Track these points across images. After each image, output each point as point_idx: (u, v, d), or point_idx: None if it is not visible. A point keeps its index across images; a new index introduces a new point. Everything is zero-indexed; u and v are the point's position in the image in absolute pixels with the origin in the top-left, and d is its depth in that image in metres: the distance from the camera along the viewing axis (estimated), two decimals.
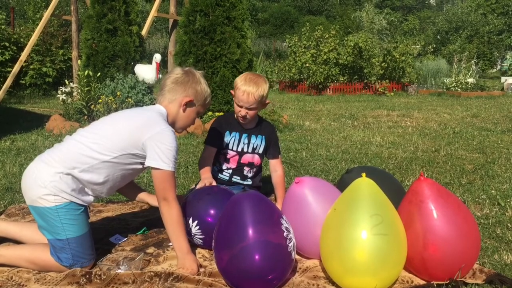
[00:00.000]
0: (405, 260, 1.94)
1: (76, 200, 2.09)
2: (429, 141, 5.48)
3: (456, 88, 13.00)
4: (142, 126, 2.11)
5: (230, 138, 2.74)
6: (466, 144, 5.29)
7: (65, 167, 2.05)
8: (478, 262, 2.17)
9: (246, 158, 2.75)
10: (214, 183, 2.60)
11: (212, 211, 2.28)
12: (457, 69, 13.99)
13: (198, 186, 2.57)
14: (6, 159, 4.27)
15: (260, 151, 2.76)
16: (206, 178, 2.61)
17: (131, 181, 2.51)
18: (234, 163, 2.76)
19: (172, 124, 2.26)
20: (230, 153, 2.75)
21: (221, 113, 5.67)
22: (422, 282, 2.00)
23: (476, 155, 4.69)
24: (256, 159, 2.77)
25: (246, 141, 2.74)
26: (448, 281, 1.92)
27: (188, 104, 2.26)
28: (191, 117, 2.32)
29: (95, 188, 2.14)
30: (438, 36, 29.36)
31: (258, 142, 2.75)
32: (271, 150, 2.80)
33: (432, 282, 1.96)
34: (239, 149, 2.74)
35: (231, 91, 2.71)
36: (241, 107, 2.62)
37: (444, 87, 13.43)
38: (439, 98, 11.78)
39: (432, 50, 19.79)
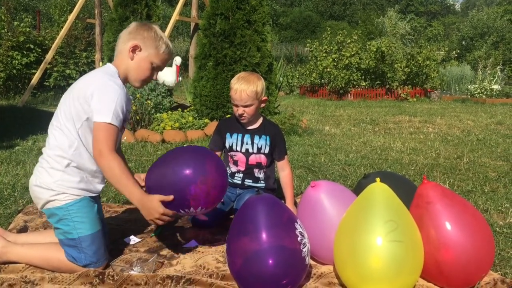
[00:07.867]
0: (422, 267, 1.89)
1: (86, 193, 2.08)
2: (451, 148, 5.37)
3: (481, 94, 12.78)
4: (87, 86, 2.04)
5: (232, 140, 2.73)
6: (490, 151, 5.17)
7: (59, 162, 2.04)
8: (500, 272, 2.11)
9: (253, 158, 2.72)
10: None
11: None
12: (482, 75, 13.75)
13: None
14: (27, 158, 4.32)
15: (266, 151, 2.72)
16: None
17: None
18: (243, 165, 2.73)
19: (126, 78, 2.17)
20: (237, 155, 2.73)
21: None
22: None
23: (500, 162, 4.57)
24: (263, 159, 2.74)
25: (249, 142, 2.71)
26: None
27: (135, 49, 2.12)
28: (143, 66, 2.14)
29: (92, 169, 2.09)
30: (463, 42, 28.98)
31: (262, 142, 2.71)
32: (277, 151, 2.77)
33: None
34: (243, 150, 2.72)
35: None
36: (237, 106, 2.63)
37: (468, 93, 13.22)
38: (463, 105, 11.58)
39: (456, 55, 19.51)
